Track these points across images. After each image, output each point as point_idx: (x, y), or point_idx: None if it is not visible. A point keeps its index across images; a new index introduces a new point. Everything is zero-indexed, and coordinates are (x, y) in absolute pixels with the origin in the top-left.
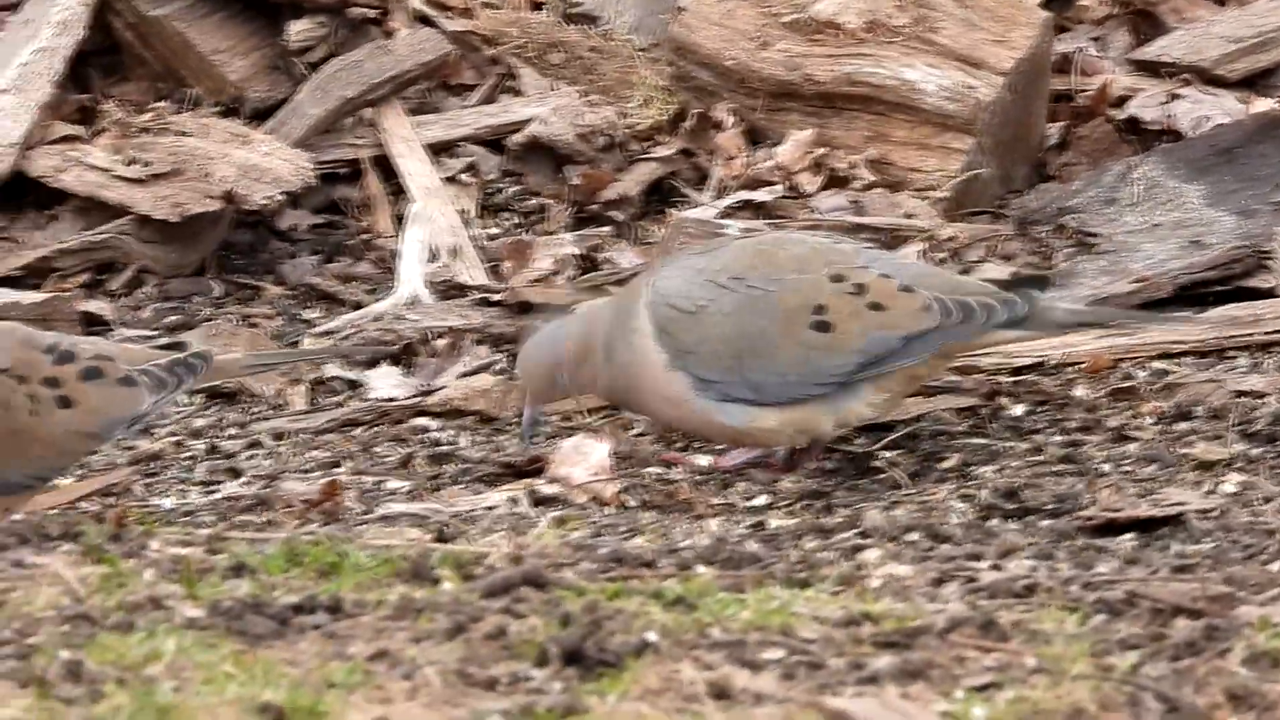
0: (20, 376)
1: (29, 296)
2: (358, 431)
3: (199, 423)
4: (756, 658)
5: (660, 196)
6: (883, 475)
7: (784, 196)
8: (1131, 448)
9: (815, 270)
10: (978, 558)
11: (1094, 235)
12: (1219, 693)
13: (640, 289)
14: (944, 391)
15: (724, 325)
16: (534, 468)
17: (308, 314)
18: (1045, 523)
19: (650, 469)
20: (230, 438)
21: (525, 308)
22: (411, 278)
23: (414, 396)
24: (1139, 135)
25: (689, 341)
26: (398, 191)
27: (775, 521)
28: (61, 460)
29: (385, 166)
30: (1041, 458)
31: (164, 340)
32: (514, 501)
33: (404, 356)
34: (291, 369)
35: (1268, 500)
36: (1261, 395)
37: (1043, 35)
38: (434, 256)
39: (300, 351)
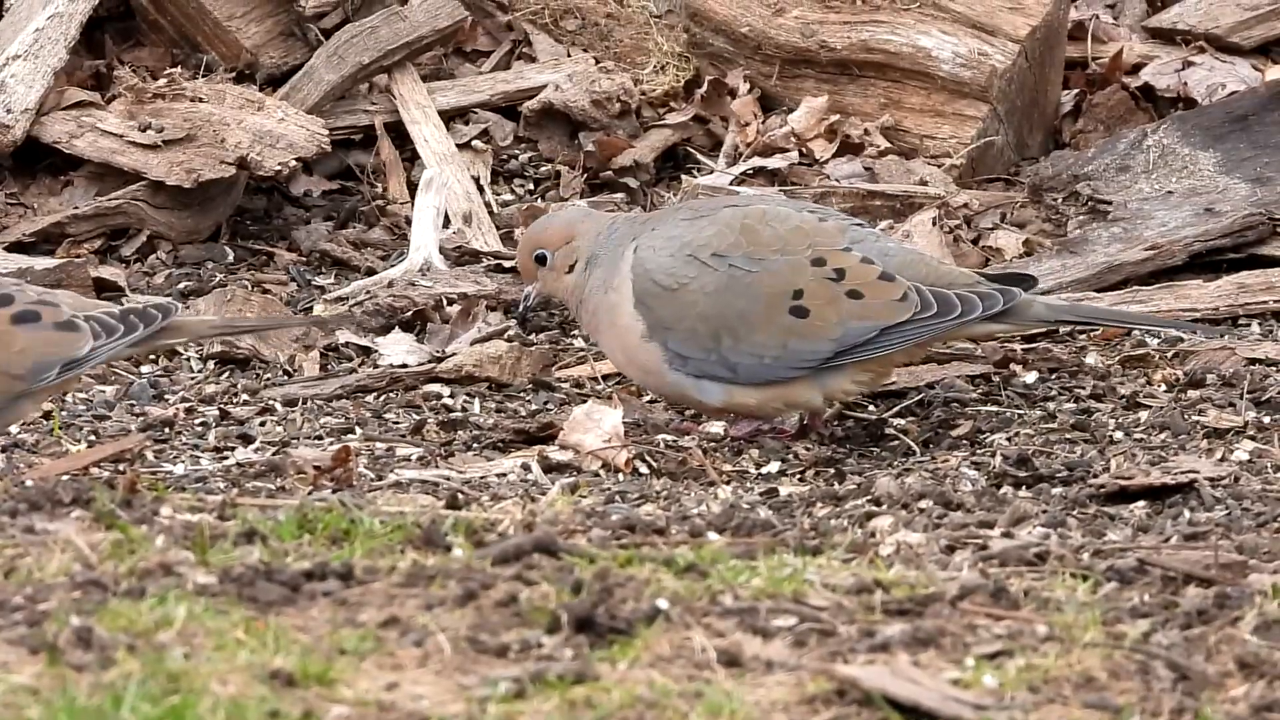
0: None
1: (42, 262)
2: (370, 398)
3: (211, 389)
4: (768, 625)
5: (674, 163)
6: (895, 442)
7: (798, 163)
8: (1143, 415)
9: (798, 250)
10: (989, 525)
11: (1107, 202)
12: (1230, 660)
13: (625, 250)
14: (956, 359)
15: (704, 304)
16: (546, 434)
17: (321, 280)
18: (1057, 490)
19: (662, 436)
20: (242, 404)
21: None
22: (425, 244)
23: (426, 363)
24: (1153, 102)
25: (668, 317)
26: (412, 158)
27: (787, 488)
28: None
29: (399, 133)
30: (1053, 425)
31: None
32: (526, 468)
33: (416, 323)
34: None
35: (1279, 468)
36: (1274, 363)
37: (1058, 3)
38: (447, 223)
39: (276, 319)
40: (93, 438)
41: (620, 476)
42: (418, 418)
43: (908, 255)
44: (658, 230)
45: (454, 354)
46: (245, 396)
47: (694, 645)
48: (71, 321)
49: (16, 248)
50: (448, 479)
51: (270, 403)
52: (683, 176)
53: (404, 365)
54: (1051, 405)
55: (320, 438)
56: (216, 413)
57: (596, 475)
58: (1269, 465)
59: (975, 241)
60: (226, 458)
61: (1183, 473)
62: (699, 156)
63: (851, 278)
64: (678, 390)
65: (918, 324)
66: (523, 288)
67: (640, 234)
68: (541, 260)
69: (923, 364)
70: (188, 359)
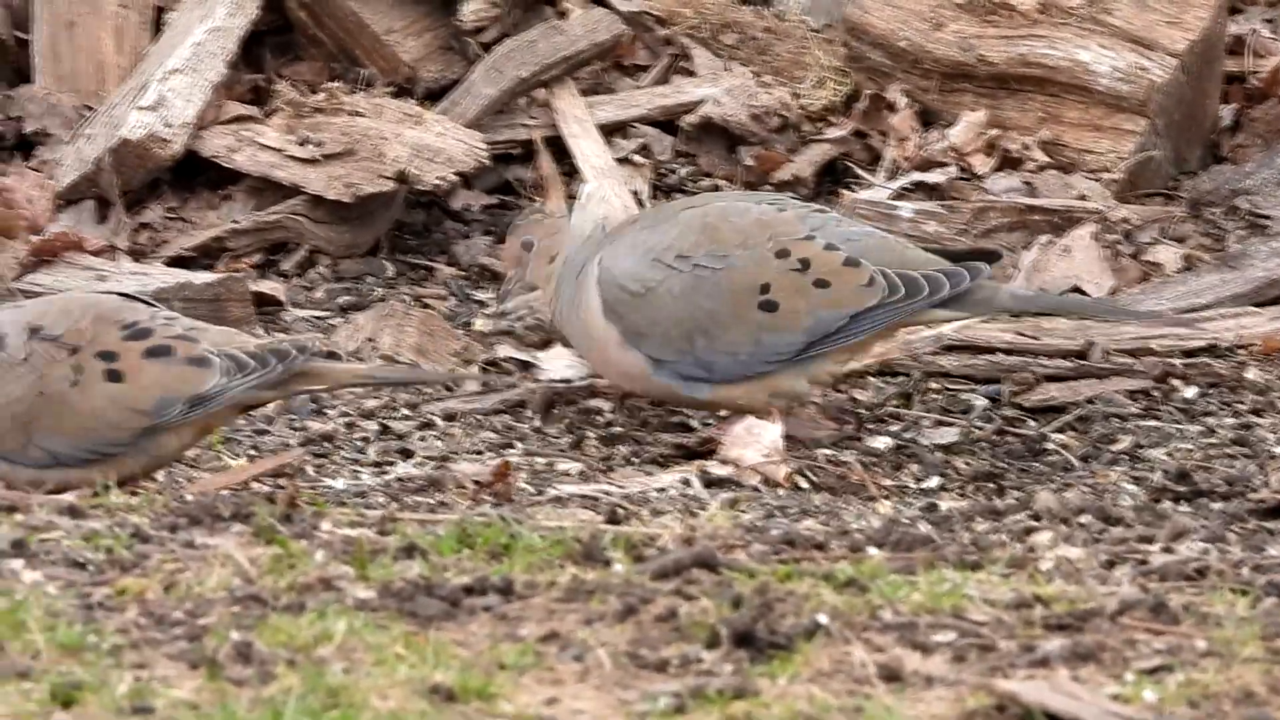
0: (72, 347)
1: (201, 277)
2: (530, 412)
3: (371, 403)
4: (927, 640)
5: (833, 177)
6: (1054, 457)
7: (957, 178)
8: None
9: (759, 244)
10: (1149, 540)
11: (1266, 217)
12: None
13: (590, 265)
14: (1116, 374)
15: (673, 307)
16: (706, 449)
17: (480, 294)
18: (1217, 505)
19: (822, 450)
20: (402, 418)
21: None
22: None
23: (587, 377)
24: None
25: (639, 323)
26: (571, 172)
27: (947, 503)
28: (111, 434)
29: (558, 147)
30: (1213, 440)
31: (336, 320)
32: (685, 483)
33: None
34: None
35: None
36: None
37: (1216, 17)
38: None
39: (421, 374)
40: (253, 452)
41: (780, 491)
42: (577, 433)
43: (870, 239)
44: (618, 241)
45: None
46: (405, 411)
47: (854, 660)
48: (204, 357)
49: (176, 262)
50: (607, 494)
51: (430, 417)
52: (841, 191)
53: (564, 380)
54: (1211, 420)
55: (480, 452)
56: (377, 427)
57: (756, 490)
58: None
59: (1134, 256)
60: (386, 472)
61: None
62: (858, 171)
63: (817, 267)
64: (667, 393)
65: (887, 308)
66: (505, 280)
67: (603, 247)
68: (528, 246)
69: (1082, 379)
70: None
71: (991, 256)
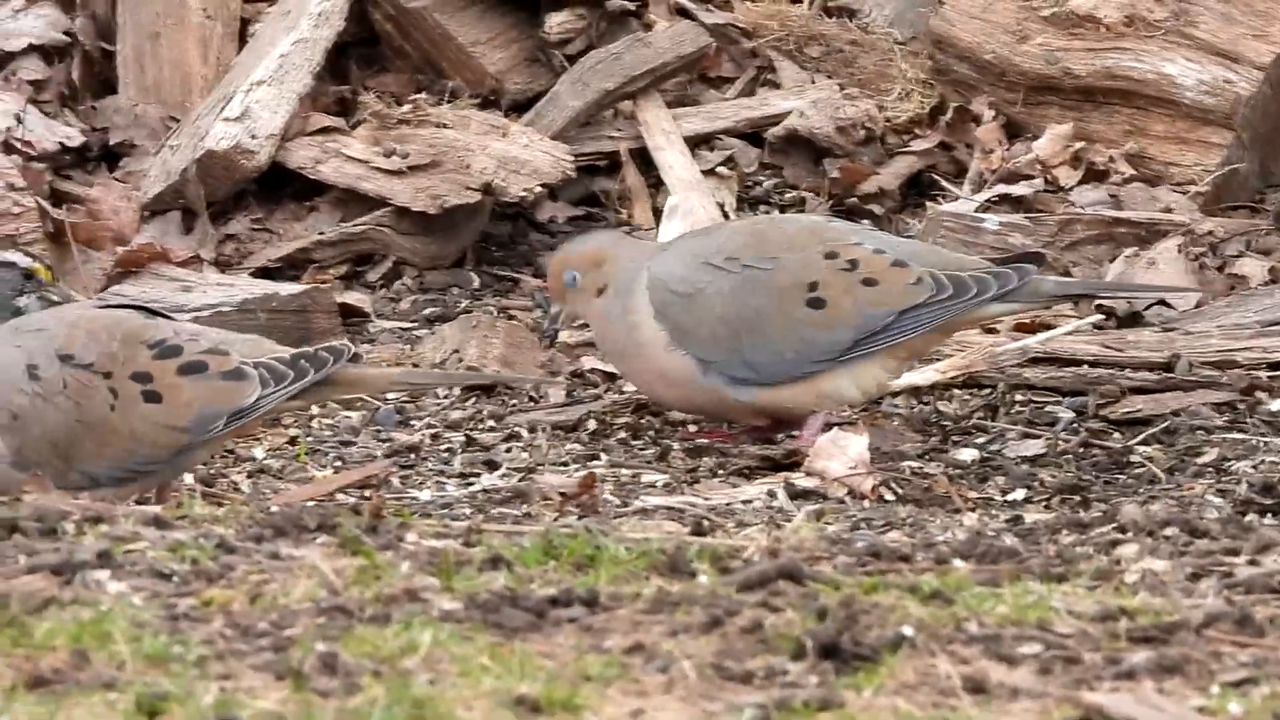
0: (105, 372)
1: (287, 288)
2: (615, 424)
3: (456, 415)
4: (1013, 652)
5: (919, 190)
6: (1140, 470)
7: (1042, 190)
8: None
9: (809, 247)
10: (1235, 553)
11: None
12: None
13: (638, 273)
14: (1201, 386)
15: (721, 307)
16: (792, 461)
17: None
18: None
19: (907, 462)
20: (487, 430)
21: None
22: None
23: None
24: None
25: (688, 323)
26: (656, 184)
27: (1032, 515)
28: (150, 454)
29: (644, 159)
30: None
31: (421, 331)
32: (771, 494)
33: None
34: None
35: None
36: None
37: None
38: None
39: (459, 376)
40: (339, 464)
41: (866, 503)
42: (663, 444)
43: (917, 245)
44: (668, 250)
45: None
46: (491, 423)
47: (939, 672)
48: (239, 370)
49: (262, 273)
50: (693, 505)
51: (516, 429)
52: (927, 203)
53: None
54: None
55: (565, 464)
56: (462, 439)
57: (842, 502)
58: None
59: (1220, 269)
60: (472, 484)
61: None
62: (943, 183)
63: (865, 267)
64: (711, 397)
65: (935, 305)
66: (550, 308)
67: (653, 258)
68: (572, 281)
69: (1167, 391)
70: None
71: (1037, 259)
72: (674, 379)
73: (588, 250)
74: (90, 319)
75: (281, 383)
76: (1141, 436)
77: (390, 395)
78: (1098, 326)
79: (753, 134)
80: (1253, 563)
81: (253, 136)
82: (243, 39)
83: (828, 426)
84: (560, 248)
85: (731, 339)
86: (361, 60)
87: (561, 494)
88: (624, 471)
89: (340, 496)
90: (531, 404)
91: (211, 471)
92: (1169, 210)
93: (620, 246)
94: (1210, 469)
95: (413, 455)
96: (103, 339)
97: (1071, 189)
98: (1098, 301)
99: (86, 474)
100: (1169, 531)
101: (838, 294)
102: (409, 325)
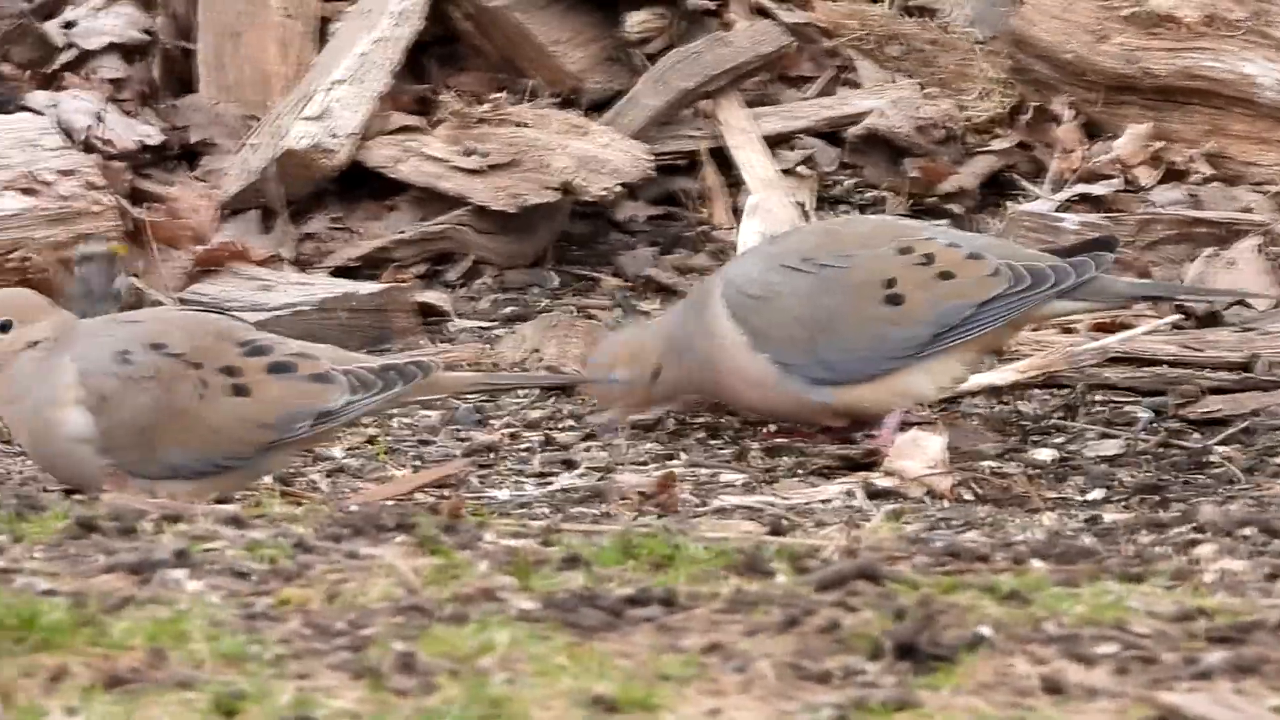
0: (195, 363)
1: (365, 287)
2: (694, 423)
3: (535, 414)
4: (1090, 652)
5: (998, 189)
6: (1218, 470)
7: (1121, 190)
8: None
9: (883, 244)
10: None
11: None
12: None
13: (713, 281)
14: None
15: (798, 307)
16: (870, 460)
17: (645, 305)
18: None
19: (986, 462)
20: (566, 429)
21: None
22: None
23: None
24: None
25: (765, 326)
26: (735, 183)
27: (1110, 516)
28: (234, 448)
29: (722, 158)
30: None
31: (500, 331)
32: (849, 494)
33: None
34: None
35: None
36: None
37: None
38: None
39: (533, 378)
40: (417, 463)
41: (944, 503)
42: (741, 444)
43: (989, 239)
44: (741, 257)
45: None
46: (569, 422)
47: (1016, 672)
48: (327, 374)
49: (341, 272)
50: (771, 505)
51: (594, 428)
52: (1006, 203)
53: None
54: None
55: (644, 463)
56: (541, 438)
57: (920, 502)
58: None
59: None
60: (550, 483)
61: None
62: (1023, 183)
63: (941, 260)
64: (792, 399)
65: (1013, 296)
66: (602, 418)
67: (727, 267)
68: (614, 380)
69: (1246, 391)
70: None
71: (1109, 244)
72: (755, 382)
73: (618, 349)
74: (183, 316)
75: (369, 390)
76: (1220, 436)
77: (469, 395)
78: (1176, 326)
79: (832, 133)
80: None
81: (332, 135)
82: (322, 38)
83: (905, 426)
84: (590, 361)
85: (809, 339)
86: (441, 59)
87: (640, 493)
88: (702, 471)
89: (418, 496)
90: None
91: (290, 470)
92: (1248, 210)
93: (649, 327)
94: None
95: (491, 454)
96: (195, 333)
97: (1150, 189)
98: (1177, 302)
99: (169, 463)
100: (1247, 531)
101: (914, 289)
102: (488, 324)
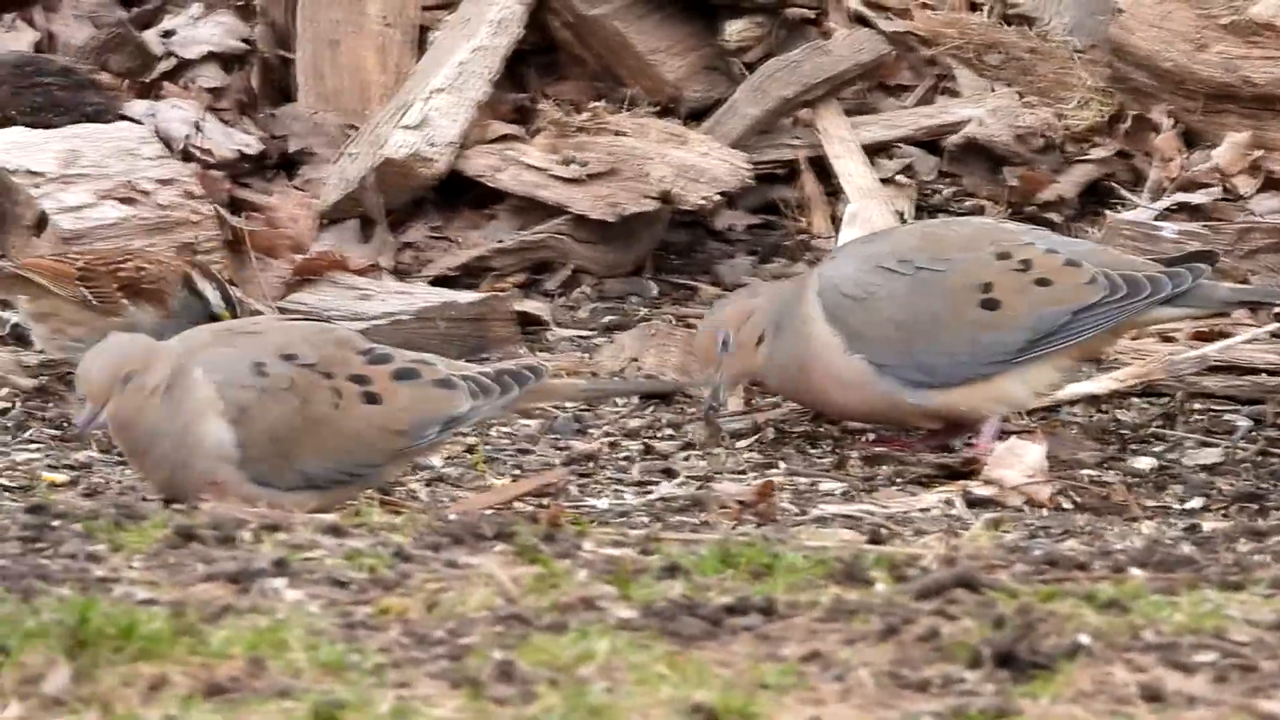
0: (326, 372)
1: (465, 296)
2: (793, 432)
3: (634, 423)
4: (1189, 660)
5: (1097, 198)
6: None
7: (1220, 199)
8: None
9: (980, 249)
10: None
11: None
12: None
13: (807, 279)
14: None
15: (894, 309)
16: (969, 469)
17: None
18: None
19: (1085, 471)
20: (665, 438)
21: None
22: None
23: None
24: None
25: (861, 327)
26: (834, 192)
27: (1209, 524)
28: (368, 457)
29: (821, 167)
30: None
31: (599, 340)
32: (948, 503)
33: None
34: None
35: None
36: None
37: None
38: None
39: (639, 384)
40: (516, 472)
41: (1043, 512)
42: (841, 453)
43: (1088, 245)
44: (837, 256)
45: None
46: (669, 431)
47: (1115, 680)
48: (449, 379)
49: (440, 281)
50: (870, 514)
51: (693, 437)
52: (1105, 212)
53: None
54: None
55: (743, 472)
56: (640, 447)
57: (1019, 510)
58: None
59: None
60: (649, 492)
61: None
62: (1122, 192)
63: (1038, 267)
64: (886, 402)
65: (1110, 305)
66: (702, 384)
67: (822, 267)
68: (725, 344)
69: None
70: None
71: (1209, 258)
72: (849, 383)
73: (732, 308)
74: (300, 325)
75: (489, 395)
76: None
77: (569, 403)
78: (1275, 335)
79: (931, 142)
80: None
81: (431, 144)
82: (421, 47)
83: (1004, 435)
84: (702, 322)
85: (905, 341)
86: (539, 68)
87: (739, 502)
88: (801, 480)
89: (518, 505)
90: (710, 412)
91: (395, 478)
92: None
93: (762, 293)
94: None
95: (590, 463)
96: (318, 343)
97: (1250, 197)
98: (1277, 310)
99: (304, 473)
100: None
101: (1011, 295)
102: (587, 333)
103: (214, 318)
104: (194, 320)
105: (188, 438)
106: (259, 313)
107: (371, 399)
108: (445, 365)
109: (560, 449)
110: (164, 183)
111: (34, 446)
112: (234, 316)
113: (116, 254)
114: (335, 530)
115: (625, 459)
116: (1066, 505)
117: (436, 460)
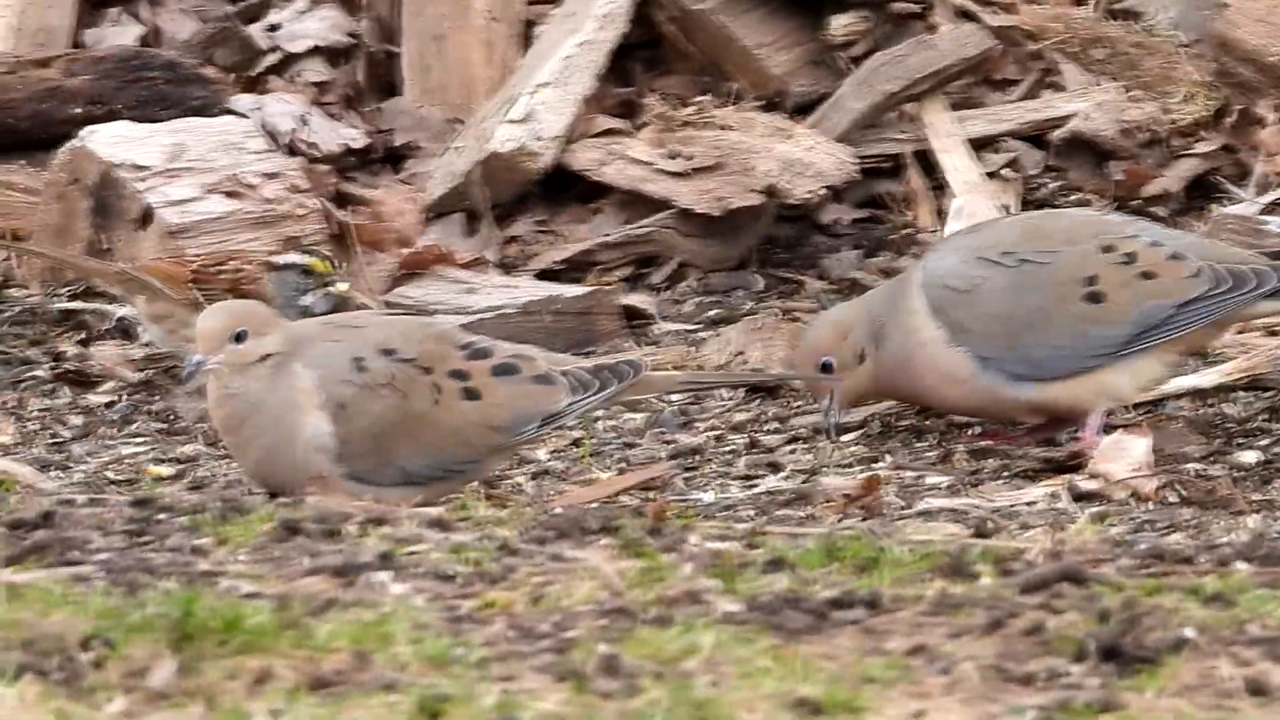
0: (425, 367)
1: (570, 290)
2: (899, 426)
3: (739, 417)
4: None
5: (1202, 192)
6: None
7: None
8: None
9: (1084, 241)
10: None
11: None
12: None
13: (911, 273)
14: None
15: (998, 302)
16: (1075, 463)
17: None
18: None
19: (1190, 465)
20: (771, 432)
21: None
22: None
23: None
24: None
25: (965, 319)
26: (939, 186)
27: None
28: (467, 452)
29: (927, 161)
30: None
31: (704, 334)
32: (1054, 497)
33: None
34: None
35: None
36: None
37: None
38: None
39: (739, 376)
40: (622, 465)
41: (1148, 505)
42: (946, 446)
43: (1192, 238)
44: (940, 249)
45: None
46: (774, 425)
47: (1220, 674)
48: (548, 375)
49: (546, 275)
50: (976, 507)
51: (799, 431)
52: (1210, 206)
53: None
54: None
55: (848, 466)
56: (745, 440)
57: (1125, 504)
58: None
59: None
60: (755, 486)
61: None
62: (1227, 186)
63: (1143, 260)
64: (989, 395)
65: (1214, 298)
66: (820, 409)
67: (925, 260)
68: (828, 368)
69: None
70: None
71: None
72: (953, 377)
73: (825, 331)
74: (400, 320)
75: (588, 390)
76: None
77: (674, 396)
78: None
79: (1036, 136)
80: None
81: (537, 139)
82: (526, 41)
83: (1109, 428)
84: (797, 351)
85: (1009, 334)
86: (644, 62)
87: (844, 496)
88: (907, 473)
89: (623, 498)
90: (815, 405)
91: (495, 473)
92: None
93: (852, 309)
94: None
95: (696, 457)
96: (417, 337)
97: None
98: None
99: (403, 469)
100: None
101: (1116, 288)
102: (692, 327)
103: (325, 284)
104: (291, 299)
105: (283, 427)
106: (365, 307)
107: (470, 395)
108: (546, 359)
109: (666, 442)
110: (269, 177)
111: (140, 440)
112: (334, 269)
113: (221, 256)
114: (440, 524)
115: (730, 452)
116: (1172, 499)
117: (542, 454)
